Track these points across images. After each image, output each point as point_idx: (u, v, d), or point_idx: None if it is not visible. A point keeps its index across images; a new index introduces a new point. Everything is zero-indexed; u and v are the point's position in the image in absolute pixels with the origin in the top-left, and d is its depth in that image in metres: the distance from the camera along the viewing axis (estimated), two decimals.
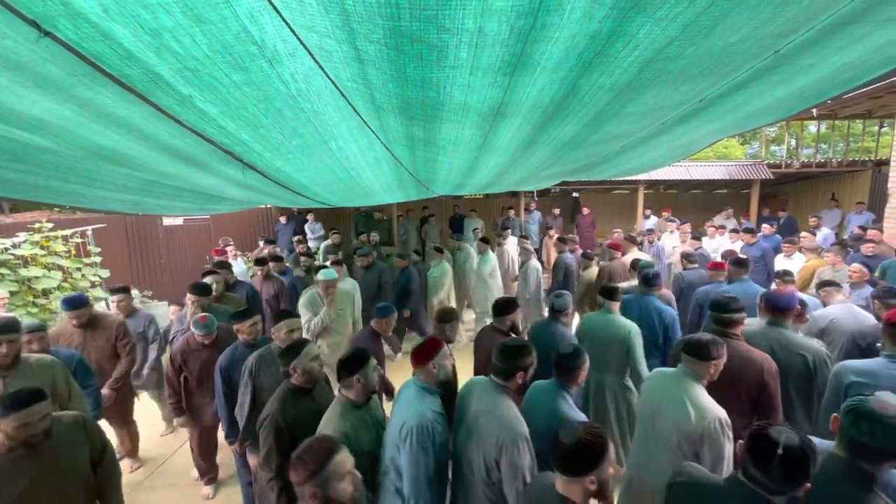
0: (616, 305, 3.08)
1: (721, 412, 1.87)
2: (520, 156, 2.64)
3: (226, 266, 4.73)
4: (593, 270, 5.14)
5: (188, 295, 3.58)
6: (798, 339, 2.51)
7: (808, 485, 1.22)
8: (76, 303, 3.16)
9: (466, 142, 2.17)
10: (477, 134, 2.02)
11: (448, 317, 2.72)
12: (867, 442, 1.32)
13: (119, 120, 1.61)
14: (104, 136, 1.78)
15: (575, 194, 11.80)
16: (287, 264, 5.57)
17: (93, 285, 5.94)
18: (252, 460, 2.55)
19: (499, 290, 6.01)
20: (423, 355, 2.00)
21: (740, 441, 1.34)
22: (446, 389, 2.17)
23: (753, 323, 2.72)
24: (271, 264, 5.06)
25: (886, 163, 7.15)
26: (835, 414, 1.47)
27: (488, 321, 5.64)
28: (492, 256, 6.07)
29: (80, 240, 5.99)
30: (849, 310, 2.97)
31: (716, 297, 2.52)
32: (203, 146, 1.96)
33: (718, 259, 5.20)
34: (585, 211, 9.92)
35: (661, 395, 2.05)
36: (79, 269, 5.74)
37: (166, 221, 8.54)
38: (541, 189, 10.32)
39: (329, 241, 7.53)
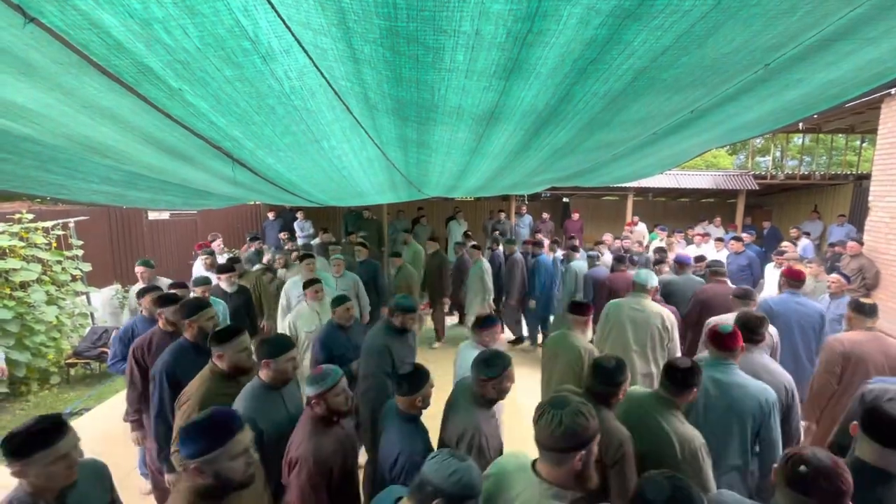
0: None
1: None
2: (512, 161, 2.65)
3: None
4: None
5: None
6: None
7: None
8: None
9: (460, 145, 2.17)
10: (470, 137, 2.02)
11: None
12: None
13: (105, 110, 1.57)
14: (89, 127, 1.74)
15: (565, 199, 11.91)
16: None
17: (73, 279, 5.81)
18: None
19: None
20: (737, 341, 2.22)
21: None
22: None
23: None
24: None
25: (867, 177, 7.34)
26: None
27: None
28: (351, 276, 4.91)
29: (61, 232, 5.86)
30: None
31: (734, 290, 3.42)
32: (192, 141, 1.93)
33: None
34: (575, 216, 10.01)
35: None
36: (59, 263, 5.61)
37: (151, 216, 8.41)
38: (532, 193, 10.39)
39: (318, 241, 7.48)
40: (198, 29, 1.09)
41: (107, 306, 6.82)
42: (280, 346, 2.15)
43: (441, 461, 1.27)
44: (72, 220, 6.12)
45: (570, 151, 2.50)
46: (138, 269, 4.05)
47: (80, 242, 6.03)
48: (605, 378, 1.94)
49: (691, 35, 1.14)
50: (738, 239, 6.40)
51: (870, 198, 6.25)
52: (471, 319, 3.99)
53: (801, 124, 8.64)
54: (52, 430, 1.43)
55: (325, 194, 4.02)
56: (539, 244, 6.19)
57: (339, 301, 3.21)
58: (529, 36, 1.09)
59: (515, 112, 1.66)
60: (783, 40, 1.32)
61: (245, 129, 1.83)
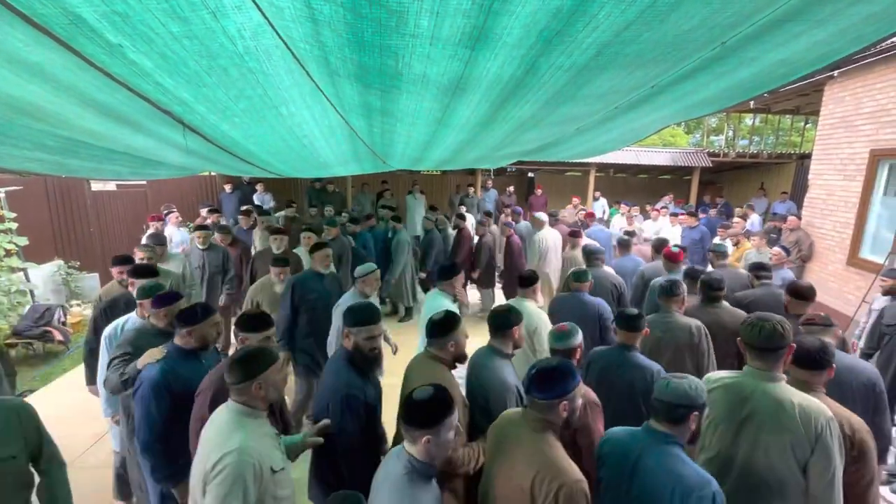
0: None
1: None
2: (478, 133, 2.63)
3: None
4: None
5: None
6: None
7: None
8: None
9: (425, 115, 2.12)
10: (436, 107, 1.98)
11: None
12: None
13: (33, 67, 1.42)
14: (15, 85, 1.58)
15: (530, 174, 12.02)
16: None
17: (8, 254, 5.39)
18: None
19: None
20: None
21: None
22: None
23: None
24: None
25: (809, 156, 7.81)
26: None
27: None
28: None
29: None
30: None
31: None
32: (137, 103, 1.79)
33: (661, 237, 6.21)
34: (539, 191, 10.15)
35: None
36: None
37: (95, 186, 7.82)
38: (498, 168, 10.42)
39: (282, 214, 7.25)
40: None
41: (48, 283, 6.39)
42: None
43: (673, 384, 1.59)
44: (2, 190, 5.61)
45: (535, 125, 2.51)
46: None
47: (14, 215, 5.56)
48: (714, 286, 3.10)
49: (654, 10, 1.15)
50: (691, 214, 6.71)
51: (809, 176, 6.67)
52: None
53: (751, 103, 9.03)
54: (445, 398, 1.50)
55: (286, 165, 3.87)
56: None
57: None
58: (495, 4, 1.06)
59: (481, 83, 1.63)
60: (739, 19, 1.36)
61: (196, 92, 1.71)
